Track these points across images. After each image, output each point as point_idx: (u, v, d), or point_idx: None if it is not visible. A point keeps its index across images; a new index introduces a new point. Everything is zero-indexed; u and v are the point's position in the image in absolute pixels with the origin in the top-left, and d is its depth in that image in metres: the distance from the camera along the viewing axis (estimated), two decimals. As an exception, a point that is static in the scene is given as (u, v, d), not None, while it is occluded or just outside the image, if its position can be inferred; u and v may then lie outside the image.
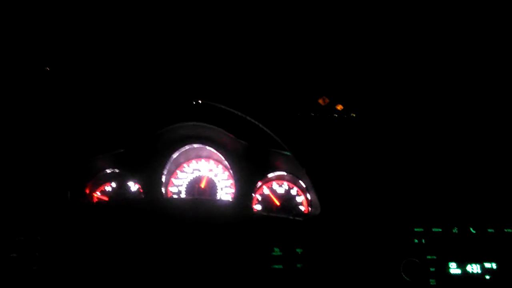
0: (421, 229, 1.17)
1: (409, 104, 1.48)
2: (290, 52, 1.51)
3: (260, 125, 1.20)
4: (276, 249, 1.10)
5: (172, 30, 1.50)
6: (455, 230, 1.17)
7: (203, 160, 1.57)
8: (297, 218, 1.17)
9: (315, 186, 1.17)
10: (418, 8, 1.48)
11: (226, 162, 1.47)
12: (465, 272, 1.15)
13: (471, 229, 1.18)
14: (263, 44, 1.49)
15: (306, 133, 1.24)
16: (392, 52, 1.56)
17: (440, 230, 1.17)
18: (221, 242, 1.12)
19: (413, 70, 1.56)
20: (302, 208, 1.46)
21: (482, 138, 1.37)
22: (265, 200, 1.47)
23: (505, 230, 1.18)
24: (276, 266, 1.10)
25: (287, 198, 1.48)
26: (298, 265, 1.09)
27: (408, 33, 1.53)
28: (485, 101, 1.45)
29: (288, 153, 1.28)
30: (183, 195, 1.51)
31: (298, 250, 1.10)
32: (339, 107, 1.42)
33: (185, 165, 1.55)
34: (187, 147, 1.48)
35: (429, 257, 1.15)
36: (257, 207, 1.46)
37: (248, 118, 1.21)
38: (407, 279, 1.12)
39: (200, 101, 1.27)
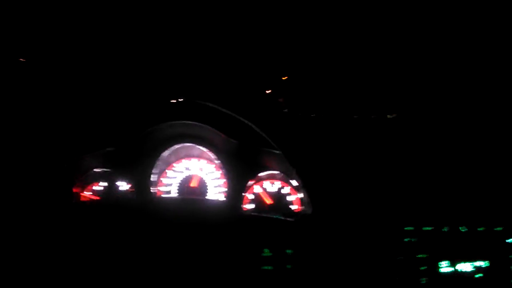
0: (411, 228, 1.17)
1: (399, 104, 1.48)
2: (280, 52, 1.50)
3: (251, 124, 1.19)
4: (266, 250, 1.09)
5: (160, 31, 1.49)
6: (445, 229, 1.17)
7: (194, 159, 1.55)
8: (288, 219, 1.17)
9: (306, 185, 1.16)
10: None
11: (217, 161, 1.46)
12: (455, 270, 1.15)
13: (461, 227, 1.18)
14: (252, 43, 1.48)
15: (297, 132, 1.23)
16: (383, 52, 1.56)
17: (430, 228, 1.17)
18: (211, 242, 1.11)
19: (403, 70, 1.56)
20: (294, 207, 1.45)
21: (470, 138, 1.37)
22: (257, 199, 1.46)
23: (495, 229, 1.18)
24: (266, 267, 1.09)
25: (279, 197, 1.47)
26: (288, 266, 1.09)
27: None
28: (471, 105, 1.46)
29: (280, 152, 1.27)
30: (173, 194, 1.50)
31: (288, 251, 1.09)
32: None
33: (175, 164, 1.54)
34: (177, 145, 1.47)
35: (419, 255, 1.15)
36: (249, 206, 1.45)
37: (238, 117, 1.20)
38: (398, 278, 1.12)
39: (191, 100, 1.26)
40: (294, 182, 1.44)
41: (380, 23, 1.51)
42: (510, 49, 1.47)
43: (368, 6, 1.48)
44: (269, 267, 1.08)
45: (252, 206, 1.45)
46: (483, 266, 1.15)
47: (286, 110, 1.40)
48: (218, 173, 1.51)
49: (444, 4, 1.46)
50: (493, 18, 1.46)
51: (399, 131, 1.44)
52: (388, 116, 1.45)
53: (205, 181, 1.51)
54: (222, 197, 1.46)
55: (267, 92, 1.45)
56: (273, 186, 1.49)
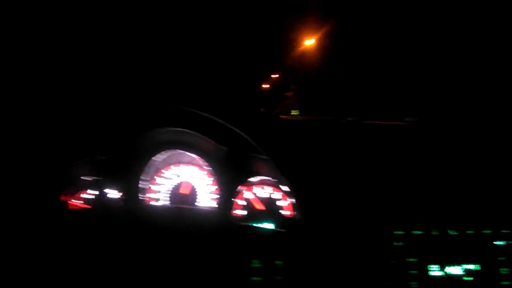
0: (401, 232, 1.17)
1: (386, 108, 1.49)
2: (267, 59, 1.51)
3: (238, 131, 1.19)
4: (255, 261, 1.08)
5: (146, 39, 1.50)
6: (434, 232, 1.18)
7: (184, 165, 1.55)
8: (278, 229, 1.16)
9: (295, 191, 1.16)
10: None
11: (208, 168, 1.45)
12: (445, 273, 1.15)
13: (451, 231, 1.19)
14: (238, 51, 1.50)
15: (284, 136, 1.24)
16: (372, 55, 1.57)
17: (420, 232, 1.18)
18: (200, 252, 1.10)
19: (392, 73, 1.57)
20: (286, 212, 1.45)
21: (458, 140, 1.39)
22: (248, 205, 1.46)
23: (484, 232, 1.19)
24: (255, 279, 1.08)
25: (269, 203, 1.47)
26: (278, 278, 1.08)
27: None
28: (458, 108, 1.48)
29: (268, 157, 1.27)
30: (163, 202, 1.49)
31: (278, 262, 1.09)
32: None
33: (165, 170, 1.53)
34: (167, 152, 1.46)
35: (409, 259, 1.15)
36: (239, 212, 1.45)
37: (226, 124, 1.20)
38: (388, 282, 1.12)
39: (179, 106, 1.26)
40: (285, 188, 1.44)
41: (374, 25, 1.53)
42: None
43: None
44: (258, 278, 1.08)
45: (242, 212, 1.45)
46: (472, 269, 1.16)
47: (273, 114, 1.41)
48: (209, 179, 1.51)
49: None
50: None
51: (389, 134, 1.45)
52: (379, 120, 1.46)
53: (196, 188, 1.51)
54: (212, 204, 1.46)
55: (253, 96, 1.46)
56: (264, 192, 1.48)
